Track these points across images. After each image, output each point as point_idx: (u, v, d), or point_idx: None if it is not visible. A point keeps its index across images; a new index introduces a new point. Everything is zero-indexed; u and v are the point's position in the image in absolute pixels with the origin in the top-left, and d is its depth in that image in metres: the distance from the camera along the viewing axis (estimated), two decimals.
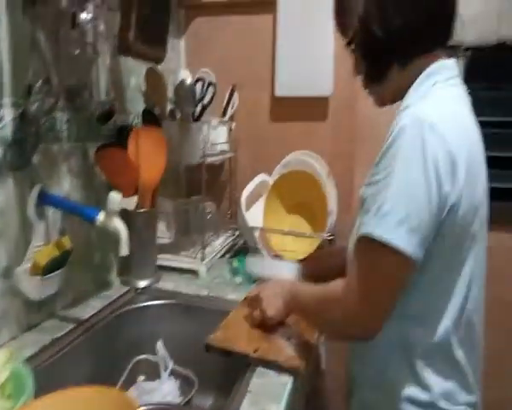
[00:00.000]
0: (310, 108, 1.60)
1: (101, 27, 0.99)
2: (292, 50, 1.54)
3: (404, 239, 0.63)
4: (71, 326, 0.97)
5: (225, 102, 1.58)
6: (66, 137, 1.01)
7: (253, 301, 0.97)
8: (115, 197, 0.90)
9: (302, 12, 1.52)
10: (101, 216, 0.89)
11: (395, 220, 0.63)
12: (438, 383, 0.73)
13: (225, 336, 0.92)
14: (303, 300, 0.86)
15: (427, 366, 0.73)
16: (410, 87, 0.75)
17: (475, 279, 0.75)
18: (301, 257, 1.36)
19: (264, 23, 1.61)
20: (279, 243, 1.37)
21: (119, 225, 0.90)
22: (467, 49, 1.49)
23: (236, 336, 0.93)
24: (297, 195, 1.46)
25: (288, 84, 1.57)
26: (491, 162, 1.49)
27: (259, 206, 1.49)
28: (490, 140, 1.48)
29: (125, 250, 0.90)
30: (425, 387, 0.73)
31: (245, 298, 1.07)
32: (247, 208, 1.48)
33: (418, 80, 0.74)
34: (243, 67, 1.64)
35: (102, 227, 0.90)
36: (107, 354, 1.02)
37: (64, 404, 0.57)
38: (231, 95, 1.58)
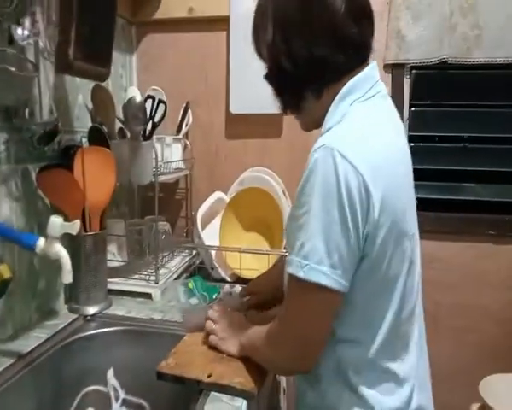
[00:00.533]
0: (264, 126, 1.60)
1: (43, 43, 0.95)
2: (245, 68, 1.54)
3: (327, 276, 0.66)
4: (11, 361, 0.90)
5: (179, 119, 1.56)
6: (4, 158, 0.96)
7: (209, 330, 0.94)
8: (56, 222, 0.85)
9: None
10: (40, 243, 0.84)
11: (316, 259, 0.66)
12: (381, 401, 0.72)
13: (177, 362, 0.89)
14: (254, 341, 0.85)
15: (367, 385, 0.73)
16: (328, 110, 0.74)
17: (408, 294, 0.75)
18: (258, 274, 1.35)
19: (218, 40, 1.61)
20: (236, 261, 1.35)
21: (60, 251, 0.85)
22: (412, 68, 1.54)
23: (189, 361, 0.89)
24: (253, 212, 1.45)
25: (243, 102, 1.57)
26: (435, 175, 1.56)
27: (216, 224, 1.47)
28: (434, 153, 1.57)
29: (67, 278, 0.85)
30: (369, 407, 0.72)
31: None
32: (204, 227, 1.46)
33: (333, 104, 0.73)
34: (197, 85, 1.63)
35: (43, 254, 0.85)
36: (52, 387, 0.96)
37: None
38: (185, 112, 1.56)
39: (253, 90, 1.54)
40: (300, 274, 0.67)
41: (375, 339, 0.72)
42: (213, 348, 0.92)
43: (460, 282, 1.57)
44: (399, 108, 1.49)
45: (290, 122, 1.59)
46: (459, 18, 1.45)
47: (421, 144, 1.57)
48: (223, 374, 0.84)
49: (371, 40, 0.76)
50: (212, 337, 0.92)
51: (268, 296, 1.08)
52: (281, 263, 0.98)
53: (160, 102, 1.27)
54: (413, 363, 0.77)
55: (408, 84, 1.57)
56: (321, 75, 0.73)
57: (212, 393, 0.81)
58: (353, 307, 0.72)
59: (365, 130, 0.70)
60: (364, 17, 0.74)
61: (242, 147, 1.63)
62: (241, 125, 1.61)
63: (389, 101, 0.79)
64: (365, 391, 0.72)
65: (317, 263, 0.65)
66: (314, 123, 0.80)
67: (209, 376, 0.83)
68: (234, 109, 1.58)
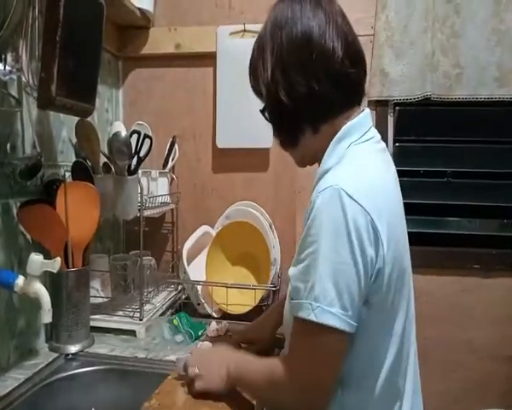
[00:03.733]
0: (251, 159, 1.61)
1: (26, 78, 0.95)
2: (232, 102, 1.56)
3: (338, 318, 0.65)
4: None
5: (166, 153, 1.56)
6: None
7: (192, 376, 0.88)
8: (36, 260, 0.83)
9: (241, 65, 1.55)
10: (20, 281, 0.82)
11: (328, 301, 0.65)
12: None
13: (160, 403, 0.86)
14: (248, 376, 0.82)
15: None
16: (325, 150, 0.76)
17: (407, 330, 0.76)
18: (246, 310, 1.32)
19: (205, 76, 1.63)
20: (223, 297, 1.33)
21: (40, 290, 0.83)
22: (396, 104, 1.58)
23: (172, 402, 0.86)
24: (240, 246, 1.44)
25: (229, 136, 1.58)
26: (420, 209, 1.58)
27: (202, 258, 1.45)
28: (418, 188, 1.59)
29: (47, 318, 0.83)
30: None
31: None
32: (190, 261, 1.44)
33: (331, 146, 0.75)
34: (184, 119, 1.64)
35: (23, 293, 0.83)
36: None
37: None
38: (172, 146, 1.56)
39: (239, 124, 1.56)
40: (311, 317, 0.65)
41: (378, 379, 0.72)
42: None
43: (446, 316, 1.57)
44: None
45: (277, 156, 1.60)
46: (440, 56, 1.49)
47: (405, 179, 1.59)
48: None
49: (364, 82, 0.80)
50: (196, 384, 0.87)
51: (269, 344, 1.06)
52: (280, 307, 0.94)
53: (146, 136, 1.27)
54: (414, 402, 0.78)
55: (392, 120, 1.61)
56: (319, 111, 0.76)
57: None
58: (357, 347, 0.71)
59: (364, 170, 0.72)
60: (360, 61, 0.77)
61: (229, 181, 1.63)
62: (228, 159, 1.62)
63: (382, 145, 0.81)
64: None
65: (329, 305, 0.65)
66: (310, 159, 0.82)
67: None
68: (220, 143, 1.59)
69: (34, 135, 1.07)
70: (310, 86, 0.73)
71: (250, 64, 0.83)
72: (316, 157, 0.80)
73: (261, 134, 1.65)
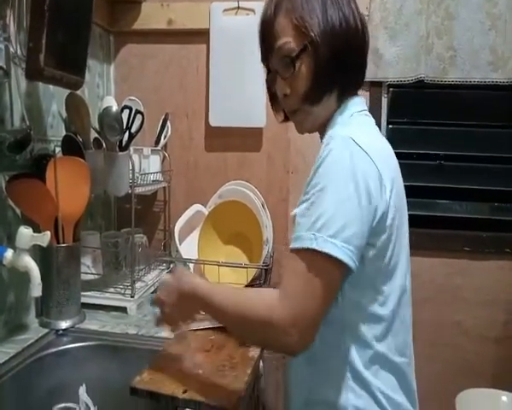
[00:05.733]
0: (244, 139, 1.60)
1: (14, 49, 0.92)
2: (225, 81, 1.54)
3: (340, 249, 0.65)
4: None
5: (158, 130, 1.54)
6: None
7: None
8: (25, 233, 0.82)
9: (235, 43, 1.54)
10: (8, 254, 0.81)
11: (331, 233, 0.65)
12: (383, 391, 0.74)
13: (152, 377, 0.86)
14: (221, 298, 0.75)
15: (372, 376, 0.74)
16: (327, 119, 0.80)
17: (406, 288, 0.79)
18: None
19: (198, 53, 1.61)
20: (215, 275, 1.33)
21: (29, 263, 0.82)
22: (389, 86, 1.57)
23: (164, 377, 0.86)
24: (232, 225, 1.44)
25: (223, 115, 1.57)
26: (412, 191, 1.59)
27: (194, 237, 1.44)
28: (410, 170, 1.59)
29: (36, 291, 0.82)
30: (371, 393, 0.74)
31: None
32: (182, 240, 1.43)
33: (336, 114, 0.79)
34: (177, 96, 1.62)
35: (12, 267, 0.82)
36: (23, 404, 0.92)
37: None
38: (164, 124, 1.54)
39: (232, 103, 1.54)
40: (313, 246, 0.65)
41: (377, 326, 0.74)
42: (189, 364, 0.88)
43: (435, 298, 1.59)
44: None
45: (270, 136, 1.59)
46: (435, 38, 1.49)
47: (398, 161, 1.59)
48: (198, 390, 0.82)
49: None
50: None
51: None
52: None
53: (138, 112, 1.25)
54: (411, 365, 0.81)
55: (386, 102, 1.60)
56: (350, 77, 0.80)
57: None
58: (355, 290, 0.73)
59: (370, 133, 0.78)
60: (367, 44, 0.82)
61: (222, 160, 1.62)
62: (221, 138, 1.61)
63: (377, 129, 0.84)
64: (368, 380, 0.73)
65: (331, 236, 0.64)
66: (313, 126, 0.83)
67: (184, 392, 0.81)
68: (213, 122, 1.57)
69: (23, 108, 1.05)
70: (349, 52, 0.77)
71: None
72: (316, 125, 0.82)
73: (254, 114, 1.65)
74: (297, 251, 0.67)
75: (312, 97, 0.79)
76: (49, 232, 0.83)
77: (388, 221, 0.71)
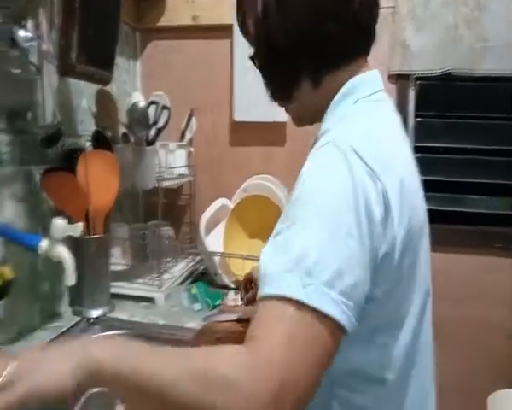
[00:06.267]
0: (268, 133, 1.60)
1: (46, 46, 0.95)
2: (249, 76, 1.55)
3: (338, 306, 0.45)
4: None
5: (183, 126, 1.56)
6: (8, 160, 0.96)
7: None
8: (59, 224, 0.85)
9: None
10: (43, 244, 0.84)
11: (326, 279, 0.45)
12: None
13: None
14: (148, 366, 0.45)
15: None
16: (327, 108, 0.63)
17: (423, 330, 0.62)
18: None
19: (222, 48, 1.62)
20: (240, 268, 1.34)
21: (63, 253, 0.85)
22: (417, 79, 1.55)
23: None
24: (257, 219, 1.45)
25: (247, 110, 1.58)
26: (438, 186, 1.55)
27: (219, 230, 1.46)
28: (439, 165, 1.56)
29: (70, 280, 0.85)
30: None
31: None
32: (207, 233, 1.45)
33: (333, 103, 0.62)
34: (202, 91, 1.64)
35: (46, 256, 0.85)
36: None
37: None
38: (189, 119, 1.57)
39: (256, 97, 1.53)
40: (301, 296, 0.44)
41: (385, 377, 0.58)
42: None
43: (463, 294, 1.56)
44: (404, 119, 1.49)
45: (294, 130, 1.59)
46: (464, 30, 1.45)
47: (425, 155, 1.57)
48: None
49: (374, 27, 0.65)
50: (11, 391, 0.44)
51: None
52: None
53: (164, 107, 1.27)
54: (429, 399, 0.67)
55: (413, 95, 1.57)
56: (322, 58, 0.62)
57: None
58: (351, 353, 0.56)
59: (377, 129, 0.58)
60: (375, 3, 0.64)
61: (246, 154, 1.63)
62: (245, 133, 1.62)
63: (395, 113, 0.65)
64: None
65: (326, 285, 0.45)
66: (308, 117, 0.69)
67: None
68: (237, 117, 1.58)
69: (54, 104, 1.08)
70: (313, 24, 0.59)
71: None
72: (315, 116, 0.65)
73: (278, 108, 1.64)
74: (272, 298, 0.46)
75: (277, 96, 0.68)
76: (81, 223, 0.86)
77: (394, 262, 0.52)
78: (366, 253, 0.48)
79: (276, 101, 0.70)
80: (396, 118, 0.64)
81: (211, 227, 1.49)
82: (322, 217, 0.48)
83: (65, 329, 1.06)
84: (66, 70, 0.91)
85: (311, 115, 0.67)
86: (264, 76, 0.68)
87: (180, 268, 1.45)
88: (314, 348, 0.45)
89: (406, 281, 0.56)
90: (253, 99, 1.55)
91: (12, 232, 0.88)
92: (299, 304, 0.45)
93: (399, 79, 1.55)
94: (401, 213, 0.52)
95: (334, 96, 0.62)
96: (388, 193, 0.50)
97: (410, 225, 0.54)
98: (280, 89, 0.68)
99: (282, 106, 0.71)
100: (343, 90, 0.62)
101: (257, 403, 0.41)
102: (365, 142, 0.53)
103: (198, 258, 1.53)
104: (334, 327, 0.46)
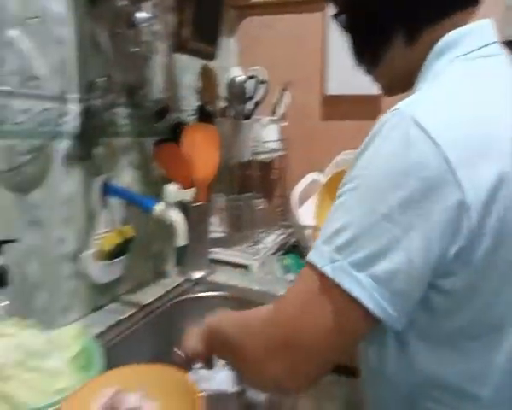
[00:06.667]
0: (361, 107, 1.57)
1: (157, 26, 1.03)
2: (342, 49, 1.52)
3: (363, 289, 0.44)
4: (133, 310, 1.02)
5: (276, 100, 1.59)
6: (126, 131, 1.06)
7: None
8: (172, 189, 0.93)
9: None
10: (158, 207, 0.92)
11: (353, 261, 0.45)
12: None
13: None
14: (223, 330, 0.61)
15: None
16: (420, 70, 0.54)
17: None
18: None
19: (315, 21, 1.61)
20: None
21: (175, 215, 0.92)
22: None
23: None
24: None
25: (339, 83, 1.56)
26: None
27: (310, 204, 1.48)
28: None
29: (182, 240, 0.92)
30: None
31: None
32: (299, 207, 1.48)
33: (428, 59, 0.53)
34: (294, 66, 1.65)
35: (160, 217, 0.93)
36: (165, 338, 1.05)
37: (133, 376, 0.59)
38: (282, 93, 1.59)
39: (349, 70, 1.51)
40: (327, 269, 0.46)
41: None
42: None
43: None
44: None
45: (388, 103, 1.54)
46: None
47: None
48: None
49: None
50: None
51: None
52: None
53: (261, 81, 1.30)
54: None
55: None
56: (415, 5, 0.53)
57: None
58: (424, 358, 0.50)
59: (467, 94, 0.47)
60: None
61: (338, 129, 1.62)
62: (338, 107, 1.60)
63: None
64: None
65: (355, 266, 0.44)
66: (398, 83, 0.60)
67: None
68: (330, 90, 1.58)
69: (163, 80, 1.16)
70: None
71: None
72: (407, 82, 0.57)
73: (371, 80, 1.61)
74: (309, 263, 0.48)
75: (366, 60, 0.62)
76: (192, 189, 0.93)
77: (475, 256, 0.44)
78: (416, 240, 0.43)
79: (363, 65, 0.63)
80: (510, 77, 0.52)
81: (302, 201, 1.52)
82: (366, 197, 0.46)
83: (172, 286, 1.16)
84: (179, 47, 0.97)
85: (402, 80, 0.58)
86: (353, 35, 0.62)
87: (272, 239, 1.50)
88: (328, 317, 0.46)
89: (502, 278, 0.46)
90: (346, 72, 1.52)
91: (132, 195, 0.98)
92: (324, 276, 0.46)
93: (507, 47, 1.44)
94: (489, 206, 0.43)
95: (428, 54, 0.53)
96: (457, 172, 0.42)
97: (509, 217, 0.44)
98: (369, 47, 0.60)
99: (369, 72, 0.64)
100: (438, 45, 0.52)
101: (265, 352, 0.50)
102: (441, 111, 0.45)
103: (289, 231, 1.57)
104: (358, 308, 0.45)
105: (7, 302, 0.71)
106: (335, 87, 1.57)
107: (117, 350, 0.88)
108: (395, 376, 0.51)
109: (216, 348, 0.64)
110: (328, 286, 0.46)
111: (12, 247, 0.75)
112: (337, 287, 0.45)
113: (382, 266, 0.43)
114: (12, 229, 0.79)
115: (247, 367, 0.55)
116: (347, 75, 1.54)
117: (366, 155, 0.47)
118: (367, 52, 0.61)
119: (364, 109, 1.57)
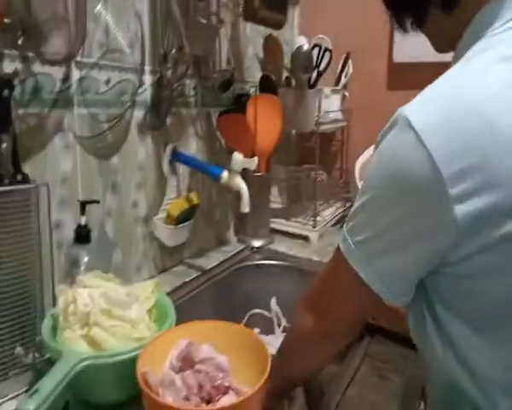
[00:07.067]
0: (429, 75, 1.47)
1: None
2: None
3: (362, 265, 0.51)
4: (197, 273, 1.08)
5: (339, 69, 1.56)
6: (193, 102, 1.09)
7: None
8: (238, 157, 0.95)
9: None
10: (225, 174, 0.95)
11: (356, 238, 0.51)
12: None
13: None
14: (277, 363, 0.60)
15: None
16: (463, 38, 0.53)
17: None
18: None
19: None
20: None
21: (240, 183, 0.95)
22: None
23: None
24: None
25: (407, 49, 1.50)
26: None
27: None
28: None
29: (246, 207, 0.95)
30: None
31: None
32: (360, 179, 1.46)
33: (469, 30, 0.52)
34: (358, 34, 1.60)
35: (226, 185, 0.97)
36: (227, 302, 1.10)
37: (202, 331, 0.63)
38: (345, 62, 1.55)
39: (417, 36, 1.45)
40: (341, 245, 0.53)
41: None
42: None
43: None
44: None
45: None
46: None
47: None
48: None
49: None
50: None
51: None
52: None
53: (326, 50, 1.28)
54: None
55: None
56: None
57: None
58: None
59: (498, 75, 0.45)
60: None
61: (404, 98, 1.53)
62: (405, 75, 1.54)
63: None
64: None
65: (357, 243, 0.51)
66: (446, 44, 0.59)
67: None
68: (397, 58, 1.52)
69: (229, 51, 1.18)
70: None
71: None
72: (455, 41, 0.55)
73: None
74: (338, 247, 0.55)
75: (408, 23, 0.60)
76: (256, 158, 0.95)
77: (490, 237, 0.43)
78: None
79: (405, 27, 0.63)
80: None
81: (363, 173, 1.50)
82: (373, 188, 0.50)
83: (233, 253, 1.20)
84: (250, 15, 0.98)
85: (449, 42, 0.57)
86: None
87: (331, 212, 1.50)
88: (340, 288, 0.55)
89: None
90: (414, 38, 1.45)
91: (200, 163, 1.02)
92: (338, 250, 0.54)
93: None
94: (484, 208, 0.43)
95: (470, 24, 0.51)
96: (446, 184, 0.43)
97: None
98: (412, 13, 0.60)
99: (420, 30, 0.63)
100: (480, 13, 0.50)
101: (298, 317, 0.62)
102: (448, 104, 0.45)
103: (348, 204, 1.56)
104: (363, 287, 0.51)
105: (88, 258, 0.78)
106: (403, 54, 1.51)
107: (182, 309, 0.93)
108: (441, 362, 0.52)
109: (275, 387, 0.59)
110: (342, 260, 0.53)
111: (93, 207, 0.81)
112: (346, 262, 0.52)
113: (383, 242, 0.49)
114: (94, 191, 0.86)
115: (299, 347, 0.62)
116: (416, 42, 1.47)
117: (379, 149, 0.50)
118: (406, 15, 0.61)
119: (432, 78, 1.49)
